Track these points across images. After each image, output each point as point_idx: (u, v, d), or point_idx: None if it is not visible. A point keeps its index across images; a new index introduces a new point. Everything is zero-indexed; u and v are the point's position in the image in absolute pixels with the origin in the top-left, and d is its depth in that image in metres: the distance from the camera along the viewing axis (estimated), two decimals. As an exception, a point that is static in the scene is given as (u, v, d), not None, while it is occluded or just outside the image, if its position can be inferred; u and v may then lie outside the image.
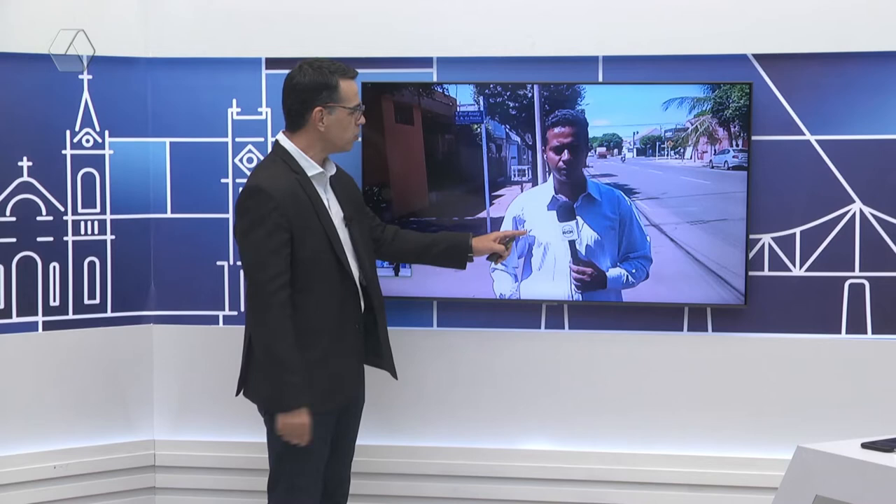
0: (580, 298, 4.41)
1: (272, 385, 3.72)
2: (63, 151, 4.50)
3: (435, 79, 4.47)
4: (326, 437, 3.84)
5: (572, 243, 4.38)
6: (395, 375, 4.05)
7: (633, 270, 4.37)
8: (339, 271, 3.81)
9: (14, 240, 4.43)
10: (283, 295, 3.68)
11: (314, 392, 3.74)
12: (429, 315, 4.56)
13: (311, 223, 3.76)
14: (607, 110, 4.35)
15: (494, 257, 4.20)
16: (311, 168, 3.82)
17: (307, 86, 3.79)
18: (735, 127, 4.29)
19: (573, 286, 4.40)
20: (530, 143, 4.38)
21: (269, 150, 4.44)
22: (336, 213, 3.86)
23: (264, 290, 3.68)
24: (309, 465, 3.81)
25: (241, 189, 3.84)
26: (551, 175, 4.39)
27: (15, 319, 4.45)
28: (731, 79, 4.30)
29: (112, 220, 4.58)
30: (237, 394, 3.92)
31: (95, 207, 4.56)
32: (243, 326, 3.90)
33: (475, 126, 4.42)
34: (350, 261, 3.85)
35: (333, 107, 3.79)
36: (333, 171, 3.90)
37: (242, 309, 4.52)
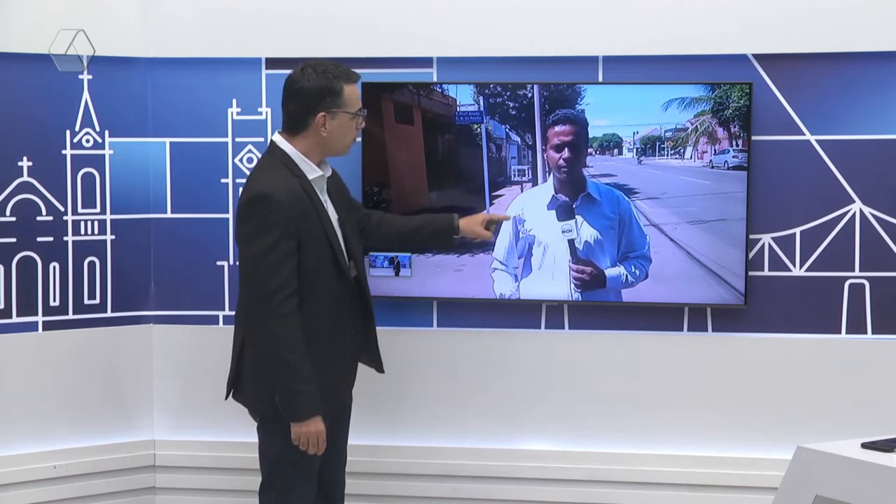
0: (580, 298, 4.41)
1: (285, 394, 3.66)
2: (63, 151, 4.50)
3: (435, 79, 4.47)
4: None
5: (571, 242, 4.38)
6: (381, 369, 4.02)
7: (633, 270, 4.37)
8: (338, 276, 3.76)
9: (14, 240, 4.43)
10: (291, 304, 3.63)
11: None
12: (429, 315, 4.56)
13: (315, 229, 3.70)
14: (607, 110, 4.35)
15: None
16: (312, 171, 3.75)
17: (311, 91, 3.71)
18: (735, 127, 4.29)
19: (573, 285, 4.40)
20: (530, 143, 4.38)
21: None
22: (332, 214, 3.82)
23: (271, 301, 3.61)
24: (303, 470, 3.78)
25: (241, 191, 3.77)
26: (551, 174, 4.39)
27: (15, 319, 4.45)
28: (731, 79, 4.30)
29: (112, 220, 4.58)
30: (227, 397, 3.86)
31: (95, 207, 4.56)
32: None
33: (475, 126, 4.42)
34: (347, 261, 3.82)
35: (336, 112, 3.72)
36: (330, 172, 3.86)
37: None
